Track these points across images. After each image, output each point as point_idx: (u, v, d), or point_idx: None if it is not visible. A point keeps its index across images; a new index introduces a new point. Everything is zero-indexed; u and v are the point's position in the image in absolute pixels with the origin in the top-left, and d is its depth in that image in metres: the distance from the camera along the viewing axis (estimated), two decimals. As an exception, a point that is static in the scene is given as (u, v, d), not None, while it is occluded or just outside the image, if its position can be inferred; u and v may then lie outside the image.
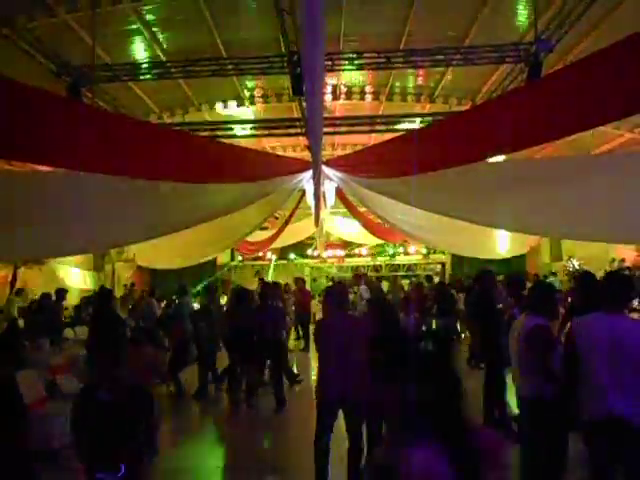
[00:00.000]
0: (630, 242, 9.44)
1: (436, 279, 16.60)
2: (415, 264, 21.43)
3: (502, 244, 9.45)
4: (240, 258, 19.82)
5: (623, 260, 12.87)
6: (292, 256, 20.84)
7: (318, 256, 20.82)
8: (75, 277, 14.24)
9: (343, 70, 9.14)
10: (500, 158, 6.25)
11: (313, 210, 10.83)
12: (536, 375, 3.58)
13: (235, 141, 9.32)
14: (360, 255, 20.81)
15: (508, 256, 10.21)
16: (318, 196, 8.40)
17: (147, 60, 8.72)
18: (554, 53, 7.73)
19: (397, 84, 11.12)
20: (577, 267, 13.90)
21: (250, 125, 11.01)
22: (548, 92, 3.49)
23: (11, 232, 4.43)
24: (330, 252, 20.80)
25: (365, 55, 8.68)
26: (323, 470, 4.29)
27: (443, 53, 8.46)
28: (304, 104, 6.57)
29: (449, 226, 7.48)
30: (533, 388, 3.63)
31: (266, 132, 10.72)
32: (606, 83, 2.93)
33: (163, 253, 9.21)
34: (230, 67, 8.77)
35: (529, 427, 3.80)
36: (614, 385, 3.03)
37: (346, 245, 20.82)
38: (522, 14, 8.14)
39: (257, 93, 11.26)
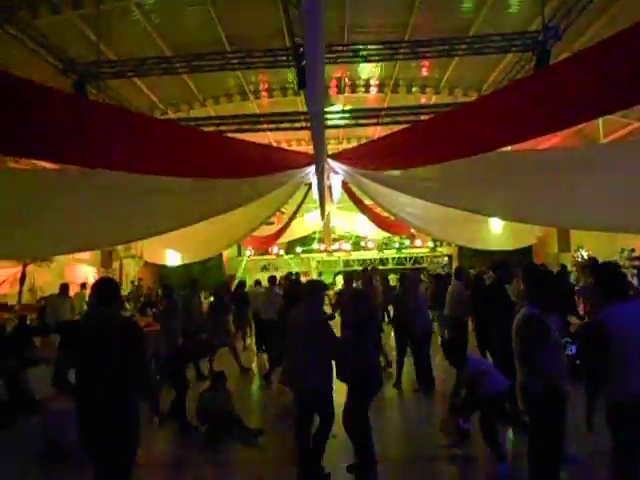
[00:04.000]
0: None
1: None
2: (422, 257, 21.49)
3: (509, 235, 9.37)
4: (249, 252, 19.82)
5: (632, 250, 12.76)
6: (298, 250, 20.88)
7: (325, 250, 20.84)
8: (83, 274, 14.35)
9: (348, 62, 9.09)
10: (507, 148, 6.20)
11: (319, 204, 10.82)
12: (522, 366, 3.57)
13: (240, 135, 9.29)
14: (367, 248, 20.82)
15: (516, 247, 10.13)
16: (322, 189, 8.36)
17: (151, 56, 8.71)
18: (561, 41, 7.64)
19: (402, 76, 11.06)
20: (585, 258, 13.80)
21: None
22: (557, 80, 3.43)
23: (14, 230, 4.44)
24: (337, 246, 20.82)
25: (370, 47, 8.63)
26: None
27: (448, 43, 8.39)
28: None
29: (455, 218, 7.43)
30: (522, 379, 3.62)
31: (272, 126, 10.71)
32: (615, 71, 2.89)
33: (171, 249, 9.23)
34: (235, 61, 8.75)
35: (529, 417, 3.78)
36: None
37: (353, 238, 20.84)
38: (528, 1, 8.05)
39: (262, 87, 11.26)
